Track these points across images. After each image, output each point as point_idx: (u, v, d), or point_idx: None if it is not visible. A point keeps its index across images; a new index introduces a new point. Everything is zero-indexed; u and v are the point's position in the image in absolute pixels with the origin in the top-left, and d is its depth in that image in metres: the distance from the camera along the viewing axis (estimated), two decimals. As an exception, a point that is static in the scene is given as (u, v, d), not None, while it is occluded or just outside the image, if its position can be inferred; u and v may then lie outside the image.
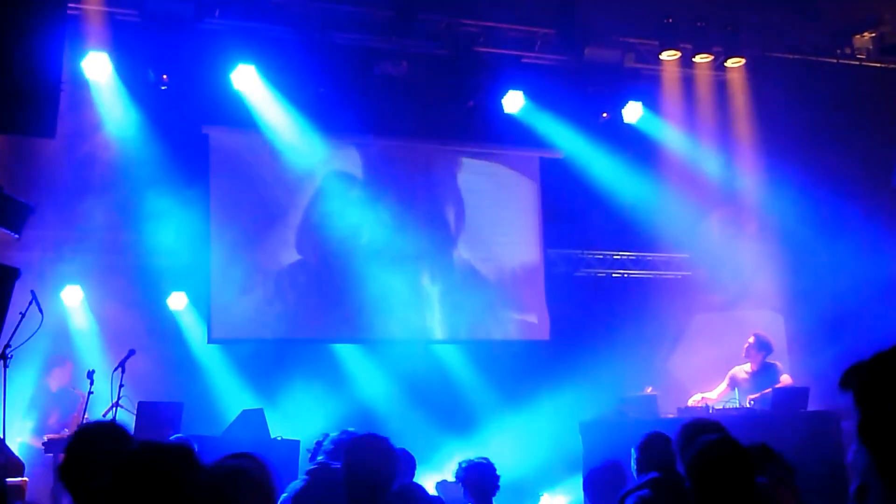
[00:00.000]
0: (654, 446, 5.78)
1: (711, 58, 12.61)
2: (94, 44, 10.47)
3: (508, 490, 6.61)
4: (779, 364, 10.62)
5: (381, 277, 12.09)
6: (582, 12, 11.99)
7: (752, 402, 10.01)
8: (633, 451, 5.89)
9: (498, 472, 6.37)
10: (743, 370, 10.50)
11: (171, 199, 10.85)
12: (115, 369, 8.49)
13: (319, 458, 6.34)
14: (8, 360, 7.50)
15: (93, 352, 10.27)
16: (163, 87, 10.91)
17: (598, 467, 6.52)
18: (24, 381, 9.43)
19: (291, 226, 11.97)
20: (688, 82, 12.99)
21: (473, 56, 11.92)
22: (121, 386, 8.40)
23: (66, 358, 10.09)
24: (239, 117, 11.43)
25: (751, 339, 10.57)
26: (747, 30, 12.53)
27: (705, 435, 4.52)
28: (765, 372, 10.40)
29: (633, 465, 5.86)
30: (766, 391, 10.02)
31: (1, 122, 6.91)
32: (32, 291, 7.69)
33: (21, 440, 9.34)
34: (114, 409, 8.45)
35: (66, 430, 8.99)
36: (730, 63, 12.72)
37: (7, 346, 7.44)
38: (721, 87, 13.12)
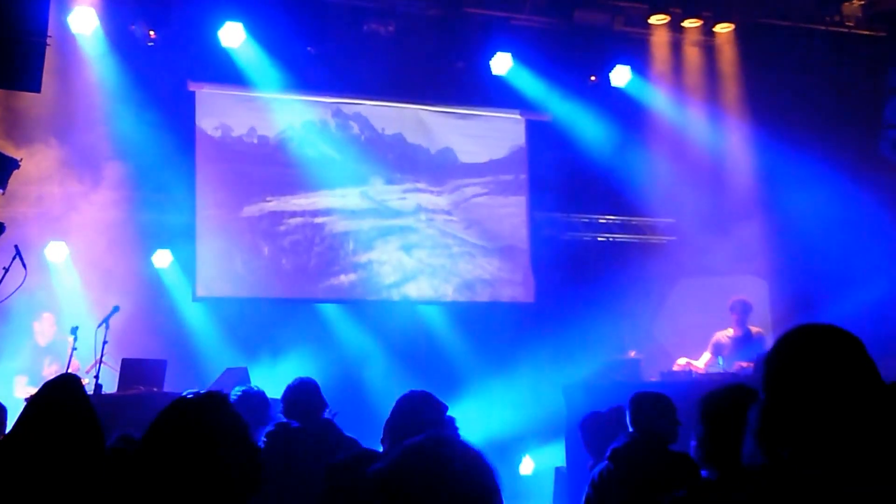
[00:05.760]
0: (642, 404, 5.69)
1: (700, 23, 12.62)
2: (81, -2, 10.39)
3: (491, 451, 6.60)
4: (762, 330, 10.65)
5: (367, 237, 12.12)
6: (572, -26, 11.95)
7: (739, 368, 9.99)
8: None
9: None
10: (725, 335, 10.54)
11: (157, 156, 10.80)
12: (99, 325, 8.44)
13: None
14: (-8, 315, 7.49)
15: (77, 308, 10.22)
16: (149, 44, 10.85)
17: (600, 412, 6.45)
18: (11, 337, 9.41)
19: (277, 184, 11.93)
20: (676, 47, 12.98)
21: (462, 17, 11.89)
22: (104, 342, 8.37)
23: (42, 310, 9.97)
24: (226, 74, 11.39)
25: (731, 303, 10.60)
26: (736, -5, 12.50)
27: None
28: (748, 337, 10.44)
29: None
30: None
31: (-15, 75, 6.87)
32: (16, 246, 7.66)
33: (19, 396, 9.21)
34: (97, 365, 8.43)
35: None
36: (718, 28, 12.73)
37: (-9, 301, 7.42)
38: (709, 52, 13.11)
